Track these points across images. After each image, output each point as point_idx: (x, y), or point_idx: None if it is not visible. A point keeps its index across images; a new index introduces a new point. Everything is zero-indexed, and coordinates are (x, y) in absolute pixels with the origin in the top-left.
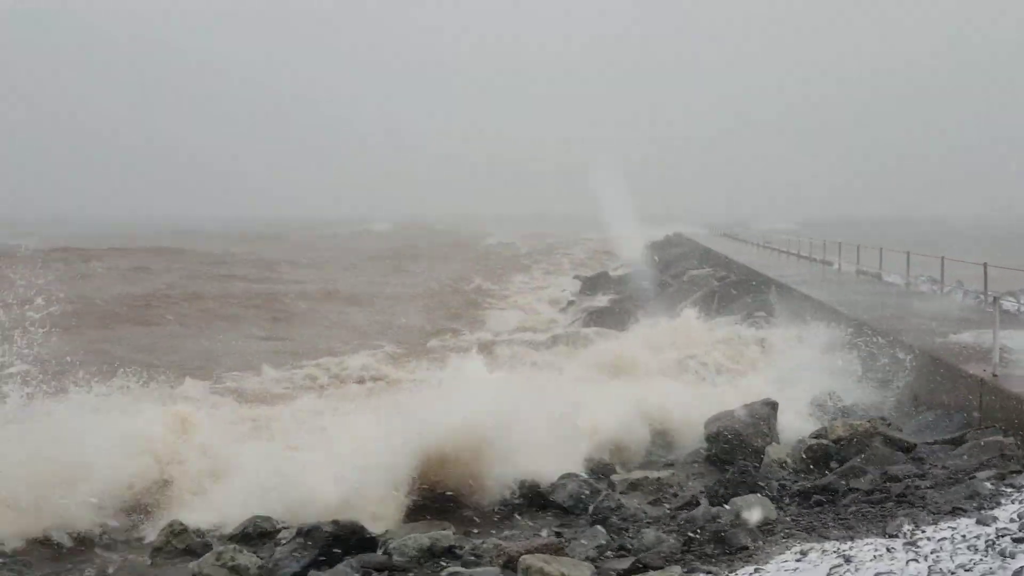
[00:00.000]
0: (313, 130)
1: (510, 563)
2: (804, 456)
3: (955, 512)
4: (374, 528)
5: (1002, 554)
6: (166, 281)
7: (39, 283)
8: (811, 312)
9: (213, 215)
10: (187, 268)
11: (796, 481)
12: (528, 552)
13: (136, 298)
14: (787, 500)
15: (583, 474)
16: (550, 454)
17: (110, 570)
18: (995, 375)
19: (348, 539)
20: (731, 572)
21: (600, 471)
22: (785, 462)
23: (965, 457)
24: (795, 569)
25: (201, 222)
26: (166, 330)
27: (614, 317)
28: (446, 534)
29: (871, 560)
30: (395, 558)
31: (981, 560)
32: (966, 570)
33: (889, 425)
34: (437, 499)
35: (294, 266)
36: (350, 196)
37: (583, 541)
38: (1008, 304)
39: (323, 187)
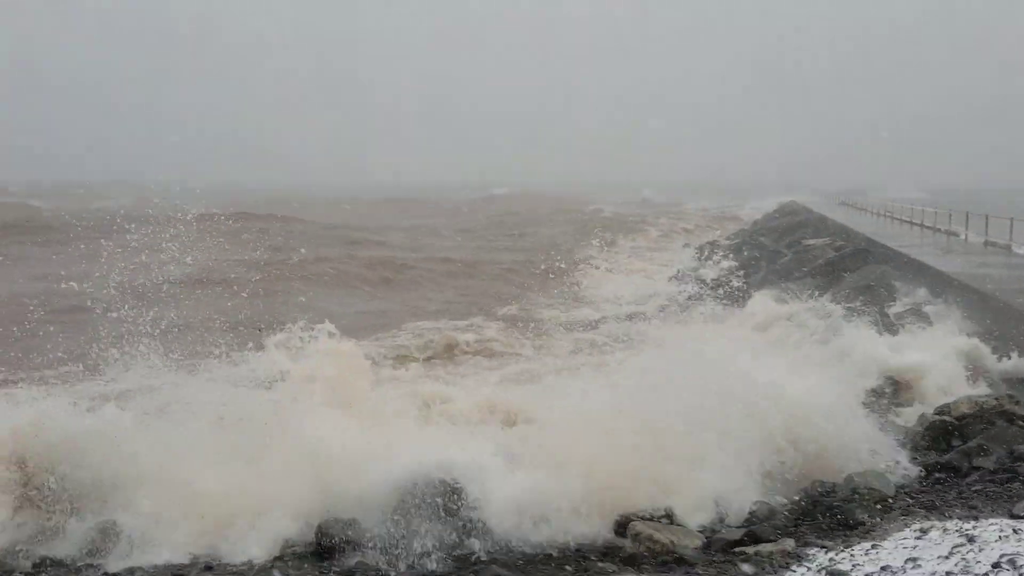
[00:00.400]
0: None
1: (620, 528)
2: (925, 433)
3: None
4: None
5: None
6: (287, 246)
7: (173, 247)
8: (935, 285)
9: (348, 183)
10: (308, 234)
11: (916, 458)
12: (639, 519)
13: (257, 263)
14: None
15: None
16: None
17: None
18: None
19: None
20: (846, 547)
21: None
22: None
23: None
24: (914, 547)
25: (329, 191)
26: (289, 294)
27: (725, 288)
28: None
29: (996, 541)
30: None
31: None
32: None
33: (1018, 403)
34: None
35: (415, 232)
36: (475, 163)
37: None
38: None
39: (451, 156)
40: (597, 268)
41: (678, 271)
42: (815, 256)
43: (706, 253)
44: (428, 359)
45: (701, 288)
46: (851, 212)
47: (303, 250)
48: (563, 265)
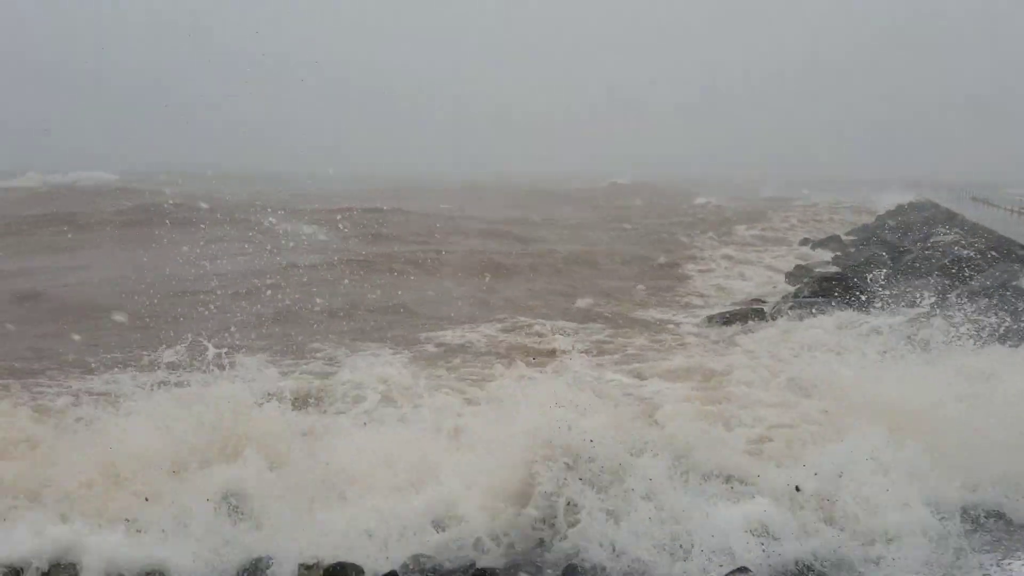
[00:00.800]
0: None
1: None
2: None
3: None
4: None
5: None
6: (401, 239)
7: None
8: None
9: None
10: (429, 225)
11: None
12: None
13: (381, 255)
14: None
15: None
16: None
17: None
18: None
19: None
20: (1006, 557)
21: None
22: None
23: None
24: None
25: (464, 179)
26: (414, 288)
27: (847, 287)
28: None
29: None
30: None
31: None
32: None
33: None
34: None
35: (533, 225)
36: (596, 151)
37: None
38: None
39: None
40: (715, 262)
41: (795, 266)
42: (942, 254)
43: (823, 249)
44: (541, 355)
45: (819, 284)
46: (983, 208)
47: (439, 246)
48: (681, 259)
